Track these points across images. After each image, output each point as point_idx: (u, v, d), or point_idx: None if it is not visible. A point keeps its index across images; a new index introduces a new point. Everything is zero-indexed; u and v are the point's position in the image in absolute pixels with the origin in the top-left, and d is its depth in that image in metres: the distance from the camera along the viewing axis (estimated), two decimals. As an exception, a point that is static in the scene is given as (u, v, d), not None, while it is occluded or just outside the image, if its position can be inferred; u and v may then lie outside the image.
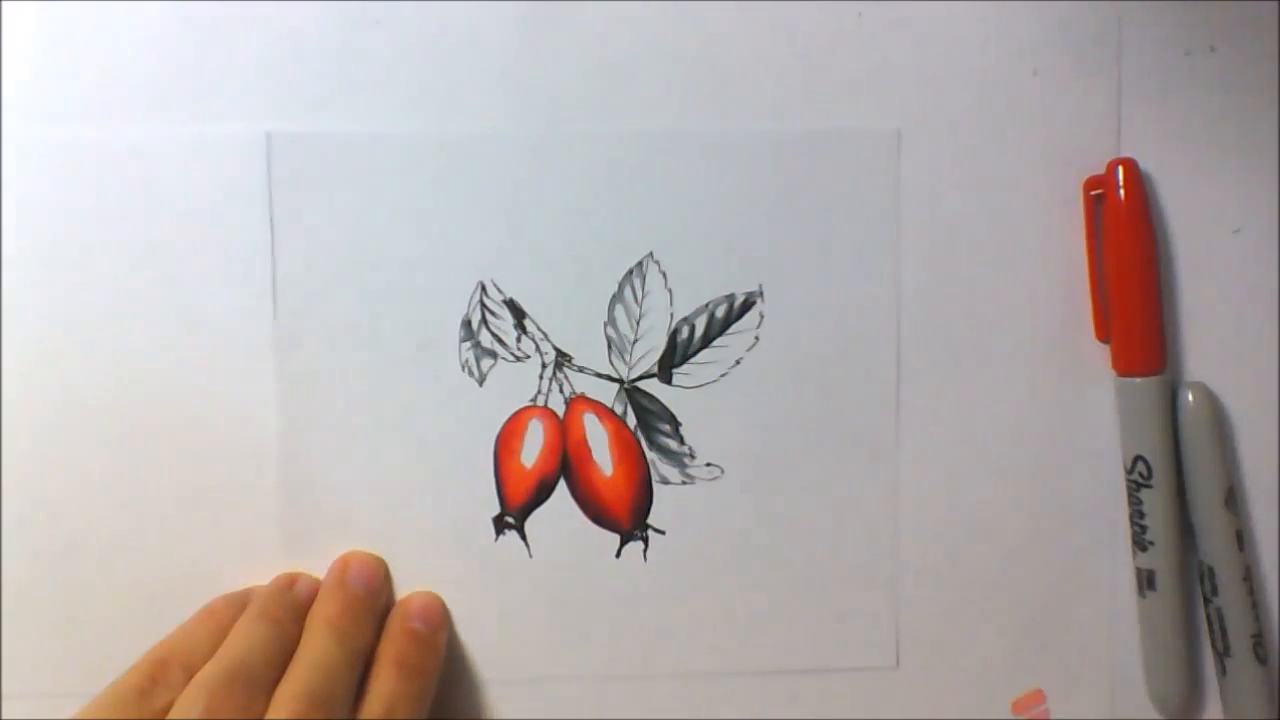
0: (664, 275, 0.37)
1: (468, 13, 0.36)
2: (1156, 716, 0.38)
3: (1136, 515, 0.37)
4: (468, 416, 0.37)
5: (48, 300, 0.36)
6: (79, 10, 0.36)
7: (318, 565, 0.37)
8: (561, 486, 0.37)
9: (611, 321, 0.37)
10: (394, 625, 0.36)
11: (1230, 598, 0.37)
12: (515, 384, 0.37)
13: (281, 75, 0.36)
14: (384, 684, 0.34)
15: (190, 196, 0.36)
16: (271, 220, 0.36)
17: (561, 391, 0.37)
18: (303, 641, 0.34)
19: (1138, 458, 0.37)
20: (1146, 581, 0.37)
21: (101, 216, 0.36)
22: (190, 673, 0.33)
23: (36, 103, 0.36)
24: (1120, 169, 0.36)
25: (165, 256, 0.36)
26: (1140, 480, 0.37)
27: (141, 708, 0.32)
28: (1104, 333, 0.38)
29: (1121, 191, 0.36)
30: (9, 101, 0.36)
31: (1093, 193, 0.37)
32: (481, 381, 0.37)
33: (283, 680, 0.33)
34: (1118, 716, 0.39)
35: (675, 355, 0.37)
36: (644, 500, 0.37)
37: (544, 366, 0.37)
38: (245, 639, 0.34)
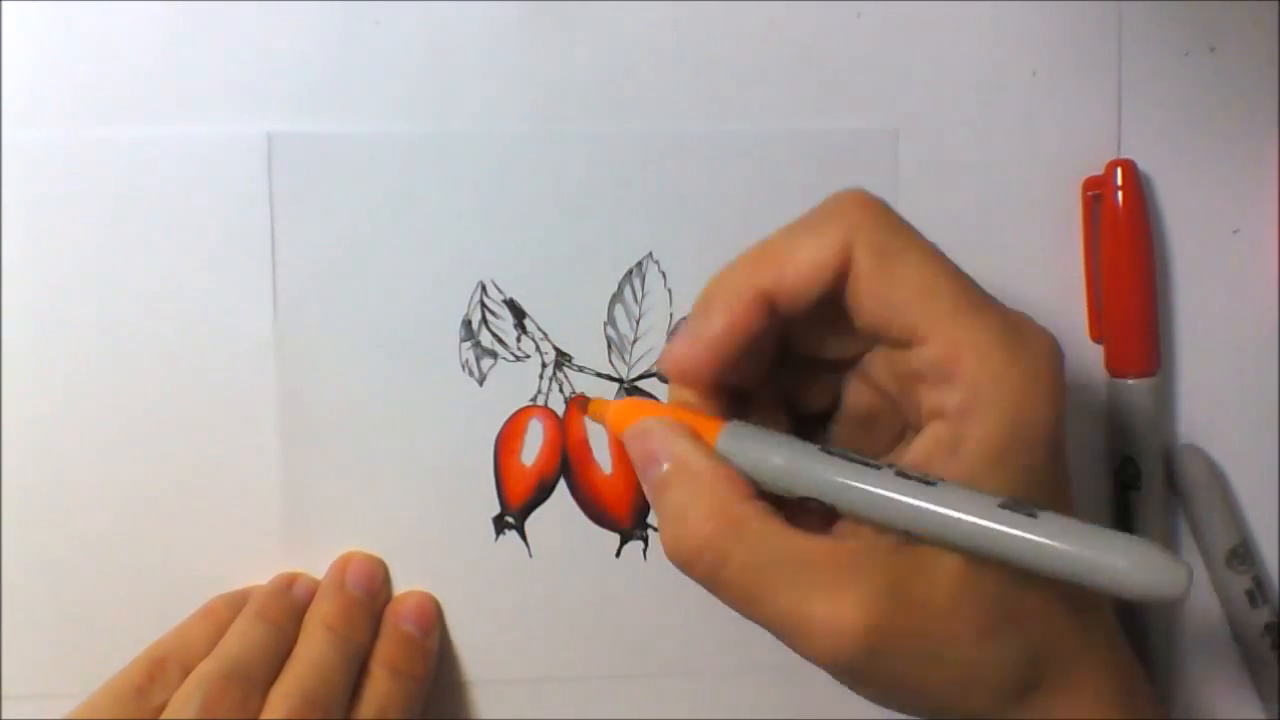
0: (664, 275, 0.37)
1: (468, 13, 0.36)
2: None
3: (1122, 516, 0.37)
4: (468, 416, 0.37)
5: (48, 300, 0.36)
6: (78, 10, 0.36)
7: (318, 565, 0.37)
8: (561, 486, 0.37)
9: (611, 321, 0.37)
10: (387, 627, 0.36)
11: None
12: (515, 384, 0.37)
13: (281, 75, 0.36)
14: (377, 687, 0.34)
15: (190, 196, 0.36)
16: (271, 220, 0.36)
17: (561, 391, 0.37)
18: (299, 642, 0.34)
19: (1126, 459, 0.37)
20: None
21: (101, 216, 0.36)
22: (188, 671, 0.33)
23: (36, 103, 0.36)
24: (1119, 170, 0.36)
25: (165, 256, 0.36)
26: (1128, 482, 0.37)
27: (139, 705, 0.32)
28: (1098, 333, 0.38)
29: (1120, 194, 0.36)
30: (9, 101, 0.36)
31: (1091, 193, 0.37)
32: (481, 381, 0.37)
33: (278, 680, 0.33)
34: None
35: (675, 355, 0.37)
36: (644, 500, 0.37)
37: (544, 366, 0.37)
38: (242, 638, 0.34)
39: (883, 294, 0.27)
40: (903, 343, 0.27)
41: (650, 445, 0.29)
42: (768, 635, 0.38)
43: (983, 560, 0.26)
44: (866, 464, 0.27)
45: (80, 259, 0.36)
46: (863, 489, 0.27)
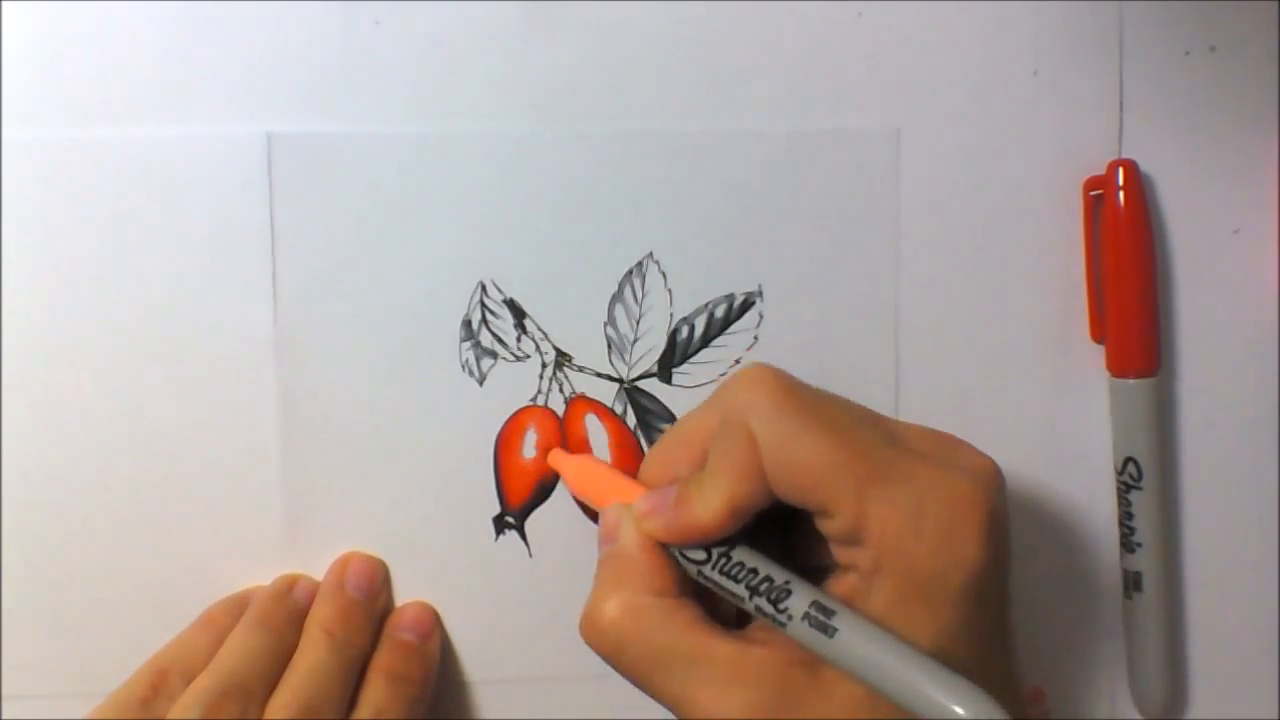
0: (664, 275, 0.37)
1: (468, 13, 0.36)
2: (1154, 716, 0.38)
3: (1125, 517, 0.37)
4: (468, 416, 0.37)
5: (48, 301, 0.36)
6: (78, 10, 0.36)
7: (318, 565, 0.37)
8: (561, 486, 0.37)
9: (611, 321, 0.37)
10: (386, 636, 0.36)
11: None
12: (515, 384, 0.37)
13: (281, 75, 0.36)
14: (374, 693, 0.34)
15: (190, 196, 0.36)
16: (271, 220, 0.36)
17: (561, 391, 0.37)
18: (299, 648, 0.34)
19: (1128, 459, 0.37)
20: (1133, 583, 0.37)
21: (102, 216, 0.36)
22: (190, 681, 0.33)
23: (36, 103, 0.36)
24: (1120, 170, 0.36)
25: (165, 256, 0.36)
26: (1130, 482, 0.37)
27: (144, 716, 0.32)
28: (1099, 333, 0.38)
29: (1121, 194, 0.36)
30: (9, 101, 0.36)
31: (1092, 193, 0.37)
32: (481, 381, 0.37)
33: (277, 689, 0.33)
34: (1118, 715, 0.39)
35: (675, 355, 0.37)
36: (644, 500, 0.37)
37: (544, 366, 0.37)
38: (240, 649, 0.34)
39: (790, 481, 0.29)
40: (818, 513, 0.29)
41: (607, 522, 0.32)
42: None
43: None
44: (777, 599, 0.29)
45: (80, 259, 0.36)
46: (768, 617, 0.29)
